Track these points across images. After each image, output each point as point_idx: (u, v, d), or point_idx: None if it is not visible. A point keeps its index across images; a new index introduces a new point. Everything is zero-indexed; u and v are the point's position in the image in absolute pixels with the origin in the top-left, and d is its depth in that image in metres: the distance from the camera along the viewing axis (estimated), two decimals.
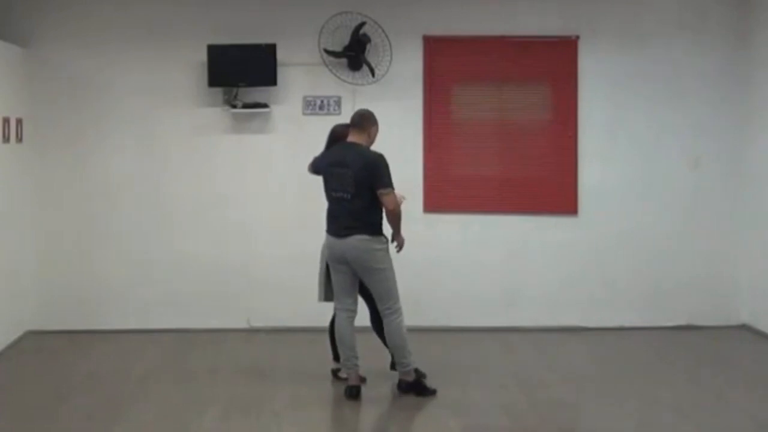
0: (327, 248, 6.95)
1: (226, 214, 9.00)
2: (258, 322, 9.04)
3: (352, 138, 6.91)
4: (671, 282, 9.14)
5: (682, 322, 9.15)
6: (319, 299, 7.31)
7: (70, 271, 8.94)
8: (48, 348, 8.48)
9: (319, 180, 8.95)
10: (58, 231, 8.94)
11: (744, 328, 9.11)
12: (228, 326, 8.97)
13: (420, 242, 8.45)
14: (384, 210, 6.77)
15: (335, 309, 7.05)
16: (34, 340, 8.71)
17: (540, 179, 9.10)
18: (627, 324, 9.11)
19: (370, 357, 7.28)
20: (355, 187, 6.72)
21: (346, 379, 7.08)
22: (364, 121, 6.91)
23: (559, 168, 9.09)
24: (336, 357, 7.29)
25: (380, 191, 6.71)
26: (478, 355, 8.19)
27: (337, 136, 7.17)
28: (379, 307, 6.91)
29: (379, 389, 7.10)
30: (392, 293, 6.86)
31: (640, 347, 8.58)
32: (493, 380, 7.38)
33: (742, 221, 9.13)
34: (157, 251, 8.99)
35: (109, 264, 8.97)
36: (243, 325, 9.02)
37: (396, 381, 7.13)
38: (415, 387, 6.97)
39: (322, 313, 8.88)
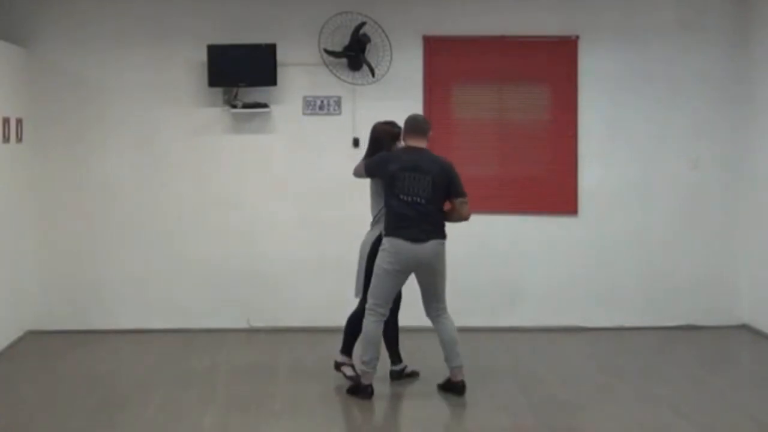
0: (396, 253, 6.78)
1: (226, 214, 9.00)
2: (258, 322, 9.04)
3: (415, 143, 6.90)
4: (671, 282, 9.14)
5: (682, 322, 9.15)
6: (357, 295, 7.20)
7: (70, 271, 8.94)
8: (48, 348, 8.48)
9: (319, 180, 9.00)
10: (58, 231, 8.94)
11: (744, 328, 9.11)
12: (228, 326, 8.97)
13: None
14: (456, 215, 6.88)
15: (369, 309, 6.90)
16: (34, 340, 8.71)
17: (540, 179, 9.11)
18: (627, 324, 9.11)
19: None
20: (432, 192, 6.78)
21: (351, 377, 7.14)
22: (425, 125, 6.97)
23: (559, 168, 9.10)
24: (345, 351, 7.26)
25: (460, 199, 6.85)
26: (478, 355, 8.19)
27: (382, 136, 7.11)
28: (434, 305, 6.94)
29: (379, 390, 7.09)
30: (444, 292, 7.00)
31: (640, 347, 8.59)
32: (492, 380, 7.37)
33: (742, 221, 9.13)
34: (157, 251, 8.99)
35: (109, 264, 8.97)
36: (243, 325, 9.02)
37: (390, 382, 7.19)
38: (463, 385, 7.01)
39: (322, 314, 8.91)
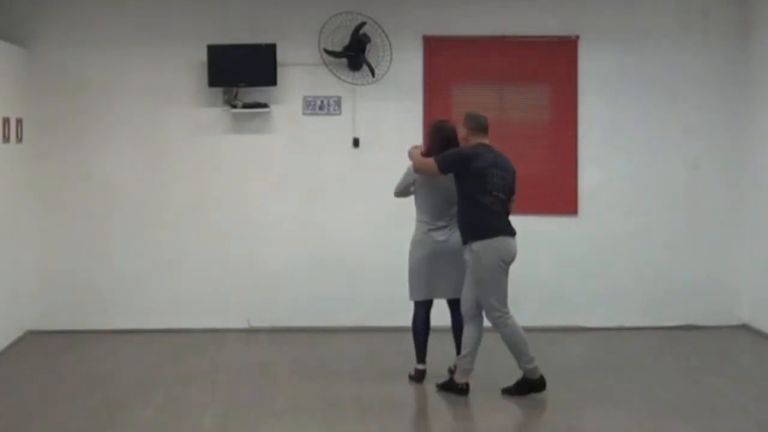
0: (509, 251, 6.92)
1: (226, 214, 9.00)
2: (258, 322, 9.04)
3: (482, 140, 6.96)
4: (671, 282, 9.14)
5: (682, 322, 9.15)
6: (417, 297, 7.22)
7: (70, 271, 8.94)
8: (48, 348, 8.47)
9: (319, 181, 9.00)
10: (58, 231, 8.93)
11: (744, 328, 9.11)
12: (228, 326, 8.97)
13: None
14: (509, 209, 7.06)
15: (497, 318, 6.92)
16: (34, 340, 8.70)
17: (540, 179, 9.10)
18: (627, 324, 9.11)
19: (365, 359, 7.28)
20: (510, 189, 6.96)
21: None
22: (487, 121, 7.02)
23: (559, 168, 9.10)
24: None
25: (514, 196, 7.08)
26: (478, 355, 8.18)
27: (452, 135, 7.06)
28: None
29: (380, 389, 7.09)
30: None
31: (640, 347, 8.59)
32: (492, 380, 7.36)
33: (741, 221, 9.13)
34: (157, 251, 8.98)
35: (109, 264, 8.96)
36: (243, 325, 9.02)
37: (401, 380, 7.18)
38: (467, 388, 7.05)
39: (322, 314, 8.91)
